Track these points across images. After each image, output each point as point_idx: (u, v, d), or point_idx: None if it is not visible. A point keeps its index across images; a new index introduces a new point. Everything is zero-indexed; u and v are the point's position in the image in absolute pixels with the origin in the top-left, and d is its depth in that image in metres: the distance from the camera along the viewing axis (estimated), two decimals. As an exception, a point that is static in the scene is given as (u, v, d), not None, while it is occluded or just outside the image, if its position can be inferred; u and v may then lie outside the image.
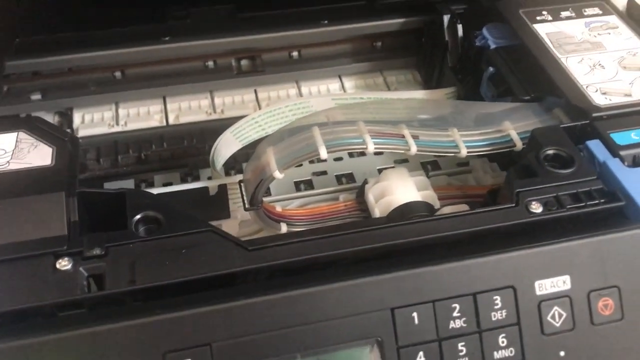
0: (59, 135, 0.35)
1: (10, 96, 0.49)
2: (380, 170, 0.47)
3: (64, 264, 0.30)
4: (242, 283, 0.30)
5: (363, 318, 0.29)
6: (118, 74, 0.52)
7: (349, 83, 0.55)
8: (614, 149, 0.36)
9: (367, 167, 0.48)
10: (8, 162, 0.34)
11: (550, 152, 0.36)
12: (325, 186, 0.46)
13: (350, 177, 0.48)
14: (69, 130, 0.48)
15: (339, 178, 0.48)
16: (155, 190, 0.43)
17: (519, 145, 0.39)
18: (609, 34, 0.45)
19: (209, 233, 0.32)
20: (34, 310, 0.29)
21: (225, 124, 0.46)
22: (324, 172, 0.48)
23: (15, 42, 0.45)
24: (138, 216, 0.32)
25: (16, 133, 0.35)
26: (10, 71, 0.45)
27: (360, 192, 0.42)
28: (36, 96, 0.50)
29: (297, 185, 0.47)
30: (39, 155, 0.34)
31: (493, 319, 0.30)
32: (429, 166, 0.47)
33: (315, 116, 0.39)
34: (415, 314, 0.29)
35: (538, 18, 0.46)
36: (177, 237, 0.31)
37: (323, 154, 0.36)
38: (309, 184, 0.47)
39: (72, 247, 0.30)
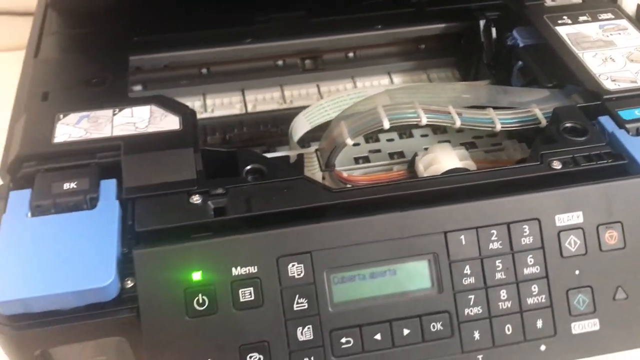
0: (182, 108, 0.46)
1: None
2: (426, 149, 0.56)
3: (196, 199, 0.40)
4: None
5: (423, 238, 0.38)
6: (204, 70, 0.62)
7: (397, 79, 0.64)
8: (620, 123, 0.44)
9: (415, 147, 0.57)
10: (146, 126, 0.44)
11: (568, 125, 0.45)
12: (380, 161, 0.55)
13: (400, 154, 0.57)
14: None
15: (391, 155, 0.57)
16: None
17: (544, 122, 0.47)
18: (620, 34, 0.54)
19: (303, 180, 0.41)
20: (172, 232, 0.38)
21: (294, 112, 0.55)
22: (379, 150, 0.57)
23: (133, 40, 0.55)
24: (248, 167, 0.42)
25: (149, 106, 0.45)
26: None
27: (411, 164, 0.51)
28: (137, 88, 0.61)
29: (357, 160, 0.56)
30: (169, 122, 0.44)
31: (522, 243, 0.38)
32: (467, 146, 0.56)
33: (378, 96, 0.49)
34: (462, 237, 0.38)
35: (559, 21, 0.55)
36: (279, 182, 0.41)
37: (386, 124, 0.45)
38: (366, 159, 0.57)
39: (200, 188, 0.40)
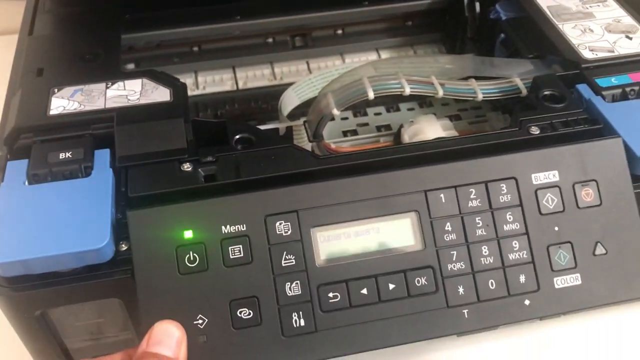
0: (172, 81, 0.47)
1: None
2: (412, 121, 0.58)
3: (186, 167, 0.41)
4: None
5: (405, 197, 0.39)
6: (196, 48, 0.64)
7: (384, 55, 0.66)
8: (597, 90, 0.46)
9: (401, 120, 0.58)
10: (138, 98, 0.45)
11: (547, 92, 0.46)
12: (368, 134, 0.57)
13: (387, 127, 0.58)
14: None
15: (378, 128, 0.58)
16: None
17: (524, 91, 0.49)
18: (599, 6, 0.55)
19: (290, 148, 0.43)
20: (164, 198, 0.40)
21: (284, 88, 0.56)
22: (366, 124, 0.59)
23: (125, 17, 0.56)
24: (237, 136, 0.43)
25: (141, 79, 0.47)
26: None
27: (397, 135, 0.52)
28: (130, 66, 0.62)
29: (345, 134, 0.58)
30: (160, 94, 0.46)
31: (501, 200, 0.40)
32: (453, 118, 0.58)
33: (363, 68, 0.50)
34: (442, 195, 0.39)
35: (540, -5, 0.56)
36: (267, 150, 0.42)
37: (371, 95, 0.47)
38: (354, 133, 0.58)
39: (191, 156, 0.41)
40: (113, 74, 0.48)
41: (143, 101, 0.45)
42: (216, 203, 0.38)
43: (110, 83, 0.47)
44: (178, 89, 0.46)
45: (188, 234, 0.37)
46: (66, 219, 0.38)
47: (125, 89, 0.46)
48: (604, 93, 0.46)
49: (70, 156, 0.41)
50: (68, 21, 0.55)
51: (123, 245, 0.38)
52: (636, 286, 0.41)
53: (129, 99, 0.45)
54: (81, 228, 0.37)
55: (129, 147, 0.42)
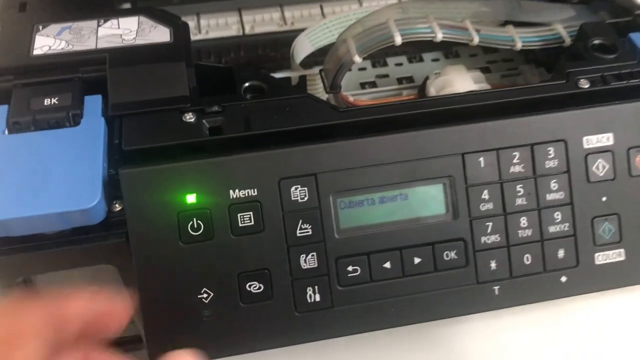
0: (173, 20, 0.42)
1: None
2: (437, 73, 0.53)
3: (189, 117, 0.36)
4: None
5: (439, 160, 0.35)
6: (198, -13, 0.58)
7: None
8: (654, 40, 0.41)
9: (425, 71, 0.53)
10: (134, 38, 0.40)
11: (597, 42, 0.41)
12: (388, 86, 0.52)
13: (409, 80, 0.53)
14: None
15: (399, 80, 0.53)
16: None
17: (568, 40, 0.44)
18: (653, -54, 0.49)
19: (307, 98, 0.38)
20: (163, 152, 0.35)
21: (295, 35, 0.51)
22: (386, 75, 0.54)
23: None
24: (246, 84, 0.38)
25: (137, 17, 0.42)
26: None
27: (422, 88, 0.47)
28: (126, 5, 0.56)
29: (363, 86, 0.53)
30: (159, 34, 0.40)
31: (546, 166, 0.35)
32: (482, 71, 0.53)
33: (388, 10, 0.45)
34: (481, 159, 0.35)
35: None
36: (280, 100, 0.37)
37: (398, 40, 0.42)
38: (373, 85, 0.53)
39: (194, 105, 0.37)
40: (106, 10, 0.43)
41: (139, 41, 0.40)
42: (223, 163, 0.33)
43: (102, 21, 0.42)
44: (179, 28, 0.41)
45: (191, 199, 0.33)
46: (51, 174, 0.33)
47: (119, 28, 0.41)
48: (661, 43, 0.41)
49: (56, 102, 0.36)
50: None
51: (117, 205, 0.34)
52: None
53: (123, 39, 0.40)
54: (68, 185, 0.33)
55: (124, 93, 0.37)
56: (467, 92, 0.40)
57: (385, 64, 0.54)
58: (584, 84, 0.38)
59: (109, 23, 0.41)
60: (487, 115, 0.36)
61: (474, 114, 0.36)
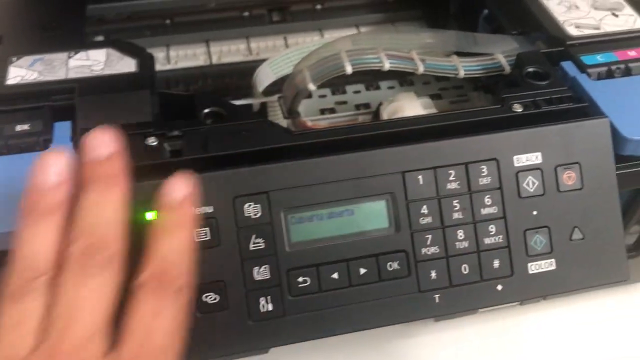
0: (139, 52, 0.44)
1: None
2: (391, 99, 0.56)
3: (152, 141, 0.39)
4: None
5: (381, 178, 0.37)
6: (168, 21, 0.61)
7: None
8: (582, 67, 0.44)
9: (381, 98, 0.56)
10: (102, 69, 0.43)
11: (531, 69, 0.45)
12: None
13: (367, 106, 0.56)
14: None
15: (357, 106, 0.56)
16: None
17: (507, 69, 0.47)
18: (586, -18, 0.53)
19: (263, 122, 0.41)
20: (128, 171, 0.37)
21: (260, 64, 0.55)
22: (345, 102, 0.57)
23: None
24: (206, 110, 0.41)
25: (106, 49, 0.44)
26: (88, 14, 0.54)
27: (376, 114, 0.51)
28: (99, 38, 0.59)
29: (322, 112, 0.56)
30: (125, 64, 0.43)
31: (480, 183, 0.38)
32: (433, 97, 0.56)
33: (340, 42, 0.48)
34: (420, 177, 0.38)
35: (526, -31, 0.54)
36: (238, 124, 0.40)
37: (348, 69, 0.45)
38: (332, 111, 0.56)
39: (157, 130, 0.39)
40: (76, 43, 0.45)
41: (107, 72, 0.43)
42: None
43: (72, 53, 0.44)
44: (145, 59, 0.44)
45: (150, 216, 0.35)
46: (21, 194, 0.35)
47: (88, 59, 0.44)
48: (589, 71, 0.44)
49: (28, 128, 0.39)
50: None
51: (83, 224, 0.36)
52: (611, 271, 0.40)
53: (92, 70, 0.43)
54: (37, 205, 0.35)
55: (91, 119, 0.39)
56: (411, 116, 0.43)
57: (344, 92, 0.58)
58: (517, 108, 0.42)
59: (79, 55, 0.44)
60: (428, 137, 0.39)
61: (416, 136, 0.39)
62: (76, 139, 0.39)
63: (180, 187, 0.33)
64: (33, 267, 0.29)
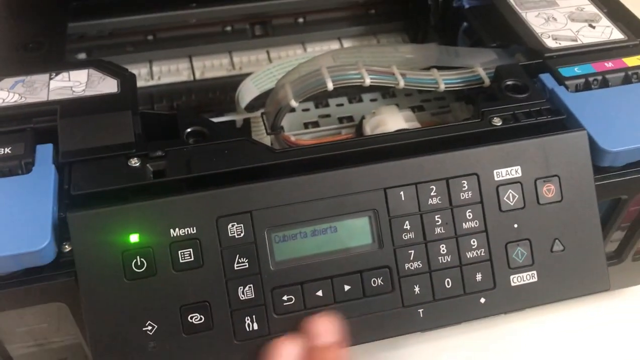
0: (120, 72, 0.45)
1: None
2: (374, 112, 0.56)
3: (134, 162, 0.39)
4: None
5: (364, 195, 0.38)
6: (151, 37, 0.61)
7: (347, 44, 0.64)
8: (560, 80, 0.45)
9: (364, 111, 0.57)
10: (84, 90, 0.43)
11: (510, 82, 0.45)
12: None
13: (350, 119, 0.57)
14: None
15: (340, 119, 0.57)
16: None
17: (487, 81, 0.48)
18: (562, -6, 0.54)
19: (245, 141, 0.41)
20: (110, 196, 0.37)
21: (243, 78, 0.55)
22: (328, 115, 0.57)
23: (72, 5, 0.54)
24: (188, 130, 0.41)
25: (87, 70, 0.44)
26: (70, 32, 0.54)
27: (359, 127, 0.51)
28: (82, 55, 0.59)
29: (306, 126, 0.56)
30: (107, 85, 0.43)
31: (461, 197, 0.39)
32: (415, 109, 0.57)
33: (322, 58, 0.48)
34: (402, 193, 0.38)
35: (504, -18, 0.55)
36: (220, 143, 0.40)
37: (329, 85, 0.45)
38: (315, 124, 0.56)
39: (139, 151, 0.39)
40: (57, 64, 0.46)
41: (89, 93, 0.43)
42: (164, 204, 0.36)
43: (54, 74, 0.44)
44: (126, 79, 0.44)
45: (134, 238, 0.35)
46: (4, 218, 0.35)
47: (70, 80, 0.44)
48: (567, 83, 0.45)
49: (9, 152, 0.39)
50: (9, 8, 0.52)
51: (66, 246, 0.36)
52: (592, 281, 0.40)
53: (73, 91, 0.43)
54: (20, 228, 0.35)
55: (73, 141, 0.40)
56: (392, 131, 0.43)
57: (327, 105, 0.58)
58: (497, 122, 0.42)
59: (60, 76, 0.44)
60: (409, 152, 0.39)
61: (396, 152, 0.39)
62: (58, 162, 0.39)
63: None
64: None
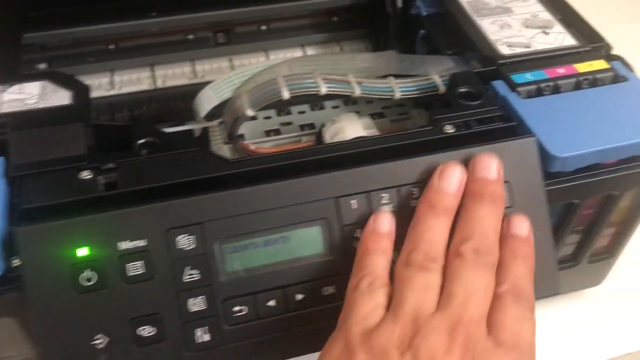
0: (74, 83, 0.44)
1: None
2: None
3: (85, 175, 0.39)
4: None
5: (315, 204, 0.38)
6: (112, 46, 0.61)
7: (310, 52, 0.64)
8: (512, 86, 0.46)
9: (325, 118, 0.57)
10: (36, 102, 0.43)
11: (463, 90, 0.46)
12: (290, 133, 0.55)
13: (311, 126, 0.57)
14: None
15: (302, 127, 0.57)
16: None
17: (442, 89, 0.48)
18: (517, 1, 0.55)
19: (198, 152, 0.41)
20: (60, 209, 0.37)
21: (205, 86, 0.55)
22: (290, 123, 0.58)
23: (26, 16, 0.53)
24: (141, 141, 0.41)
25: (41, 82, 0.44)
26: (25, 42, 0.53)
27: (318, 135, 0.51)
28: (43, 66, 0.59)
29: (268, 133, 0.56)
30: (60, 97, 0.43)
31: (412, 205, 0.39)
32: (376, 116, 0.57)
33: (278, 67, 0.49)
34: (354, 201, 0.38)
35: (461, -9, 0.56)
36: (173, 154, 0.40)
37: (285, 95, 0.45)
38: (277, 132, 0.57)
39: (91, 163, 0.39)
40: (10, 76, 0.45)
41: (41, 105, 0.42)
42: (114, 216, 0.36)
43: (7, 86, 0.44)
44: (80, 91, 0.44)
45: (83, 252, 0.35)
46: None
47: (22, 93, 0.43)
48: (519, 89, 0.45)
49: (-40, 166, 0.38)
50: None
51: (16, 261, 0.36)
52: (543, 286, 0.41)
53: (25, 103, 0.43)
54: (-32, 244, 0.35)
55: (24, 154, 0.39)
56: (348, 140, 0.43)
57: (289, 112, 0.58)
58: (449, 129, 0.43)
59: (13, 88, 0.44)
60: (363, 160, 0.39)
61: (349, 161, 0.40)
62: (9, 176, 0.38)
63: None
64: (434, 251, 0.36)
